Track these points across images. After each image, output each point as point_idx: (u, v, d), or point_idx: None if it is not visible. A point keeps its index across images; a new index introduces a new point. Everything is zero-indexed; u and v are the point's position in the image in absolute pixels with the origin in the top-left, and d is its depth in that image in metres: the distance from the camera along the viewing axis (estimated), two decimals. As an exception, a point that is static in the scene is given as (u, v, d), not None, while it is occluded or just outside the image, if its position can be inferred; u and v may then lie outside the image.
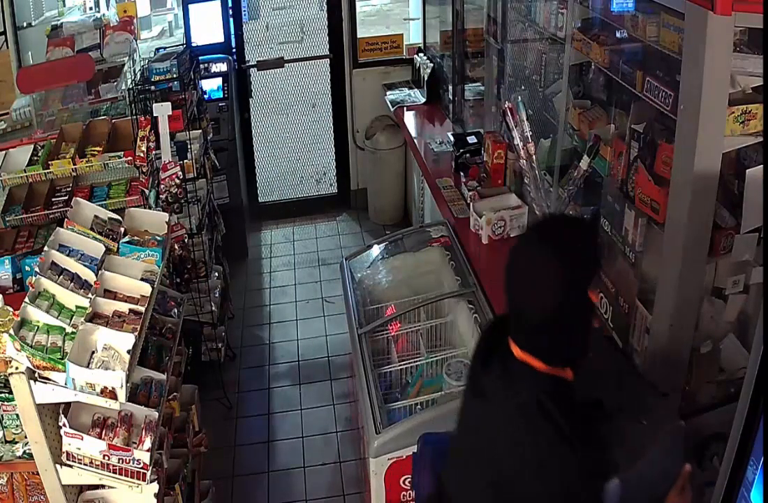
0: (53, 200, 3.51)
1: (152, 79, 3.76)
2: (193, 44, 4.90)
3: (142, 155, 3.42)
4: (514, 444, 1.59)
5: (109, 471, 2.28)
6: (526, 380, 1.61)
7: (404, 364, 2.96)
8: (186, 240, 3.72)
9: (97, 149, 3.50)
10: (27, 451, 2.35)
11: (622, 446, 1.74)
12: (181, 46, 4.23)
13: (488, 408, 1.68)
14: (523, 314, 1.62)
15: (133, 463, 2.27)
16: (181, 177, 3.64)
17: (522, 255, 1.63)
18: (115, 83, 4.39)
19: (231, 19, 5.21)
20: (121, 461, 2.26)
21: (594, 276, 1.63)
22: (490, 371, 1.67)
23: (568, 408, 1.58)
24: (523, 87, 3.48)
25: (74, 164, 3.40)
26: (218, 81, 5.07)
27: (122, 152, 3.43)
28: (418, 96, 5.30)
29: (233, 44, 5.30)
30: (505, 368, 1.65)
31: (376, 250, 3.69)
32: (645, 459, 1.83)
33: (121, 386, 2.19)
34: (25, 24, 4.46)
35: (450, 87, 4.77)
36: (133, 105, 3.56)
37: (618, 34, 2.43)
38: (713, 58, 1.77)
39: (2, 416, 2.35)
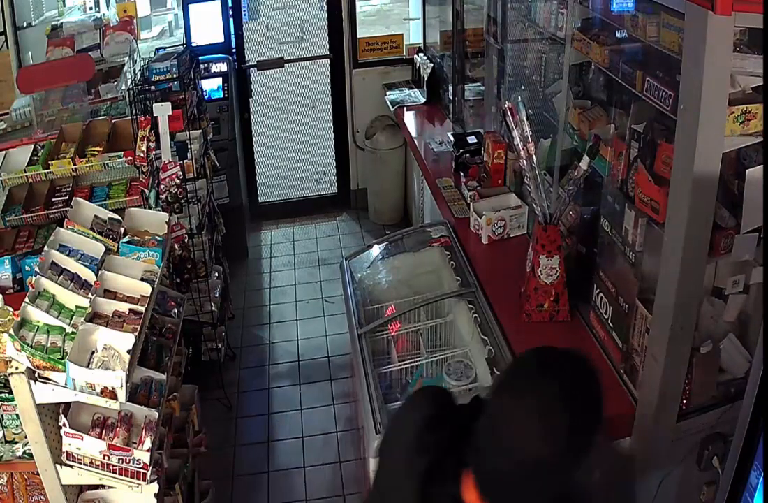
0: (53, 200, 3.51)
1: (152, 79, 3.76)
2: (193, 44, 4.90)
3: (142, 155, 3.42)
4: None
5: (109, 471, 2.28)
6: None
7: (404, 364, 2.96)
8: (186, 240, 3.71)
9: (97, 149, 3.50)
10: (27, 451, 2.34)
11: None
12: (181, 46, 4.23)
13: None
14: (507, 456, 1.29)
15: (133, 463, 2.27)
16: (181, 177, 3.64)
17: (520, 391, 1.30)
18: (115, 83, 4.39)
19: (231, 19, 5.21)
20: (121, 461, 2.26)
21: (599, 424, 1.32)
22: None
23: None
24: (523, 87, 3.48)
25: (74, 164, 3.40)
26: (218, 81, 5.07)
27: (122, 152, 3.43)
28: (418, 96, 5.30)
29: (233, 44, 5.30)
30: None
31: (376, 250, 3.68)
32: None
33: (121, 386, 2.19)
34: (25, 24, 4.46)
35: (450, 87, 4.77)
36: (133, 105, 3.56)
37: (618, 34, 2.43)
38: (713, 58, 1.77)
39: (2, 416, 2.35)
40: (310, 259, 5.44)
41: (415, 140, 4.71)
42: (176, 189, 3.63)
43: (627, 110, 2.44)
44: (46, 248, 2.49)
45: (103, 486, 2.42)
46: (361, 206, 5.94)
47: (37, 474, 2.35)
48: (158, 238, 2.81)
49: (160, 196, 3.61)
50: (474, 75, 4.47)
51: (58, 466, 2.29)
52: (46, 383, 2.17)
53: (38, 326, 2.27)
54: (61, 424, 2.23)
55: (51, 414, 2.28)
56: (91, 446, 2.24)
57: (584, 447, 1.30)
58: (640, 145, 2.32)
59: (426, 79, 5.15)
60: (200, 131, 4.13)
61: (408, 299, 3.24)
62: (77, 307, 2.39)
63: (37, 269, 2.39)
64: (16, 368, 2.16)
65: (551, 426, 1.25)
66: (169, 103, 3.55)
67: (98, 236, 2.68)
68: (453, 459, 1.39)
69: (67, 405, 2.28)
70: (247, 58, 5.44)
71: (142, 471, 2.29)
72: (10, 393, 2.23)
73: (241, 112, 5.48)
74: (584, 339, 2.73)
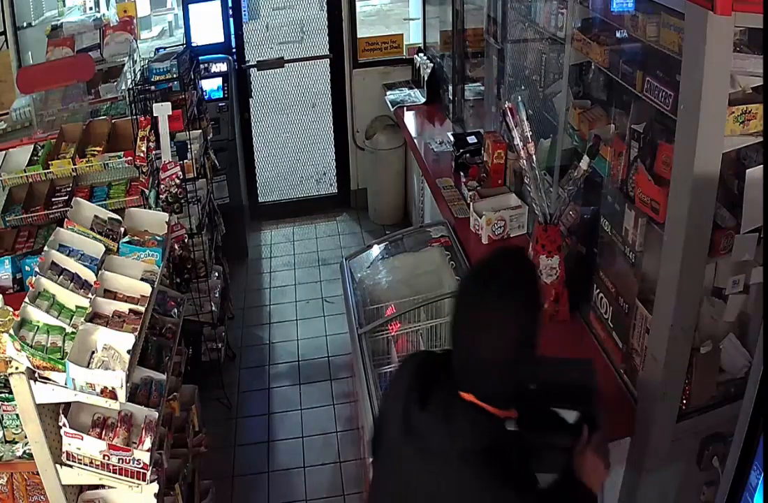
0: (53, 200, 3.51)
1: (152, 79, 3.76)
2: (193, 44, 4.89)
3: (142, 155, 3.42)
4: (456, 489, 1.54)
5: (109, 471, 2.28)
6: (472, 424, 1.55)
7: (404, 364, 2.96)
8: (186, 240, 3.71)
9: (97, 149, 3.50)
10: (27, 451, 2.34)
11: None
12: (181, 46, 4.23)
13: (424, 450, 1.60)
14: (473, 357, 1.56)
15: (133, 463, 2.27)
16: (181, 177, 3.64)
17: (470, 298, 1.58)
18: (115, 83, 4.39)
19: (231, 19, 5.21)
20: (121, 461, 2.26)
21: (541, 313, 1.60)
22: (429, 411, 1.59)
23: (515, 457, 1.55)
24: (523, 87, 3.48)
25: (74, 164, 3.40)
26: (218, 81, 5.07)
27: (122, 152, 3.43)
28: (418, 96, 5.30)
29: (233, 44, 5.29)
30: (447, 410, 1.57)
31: (376, 250, 3.68)
32: None
33: (121, 386, 2.19)
34: (25, 24, 4.46)
35: (450, 87, 4.77)
36: (133, 105, 3.56)
37: (618, 34, 2.44)
38: (713, 58, 1.77)
39: (2, 416, 2.35)
40: (310, 259, 5.44)
41: (415, 140, 4.70)
42: (176, 189, 3.63)
43: (627, 110, 2.44)
44: (46, 248, 2.49)
45: (103, 486, 2.42)
46: (361, 206, 5.94)
47: (37, 474, 2.35)
48: (158, 238, 2.81)
49: (160, 196, 3.61)
50: (474, 75, 4.47)
51: (58, 466, 2.29)
52: (46, 383, 2.17)
53: (38, 326, 2.27)
54: (61, 424, 2.23)
55: (51, 414, 2.27)
56: (91, 446, 2.24)
57: (532, 344, 1.55)
58: (640, 145, 2.32)
59: (426, 79, 5.15)
60: (200, 131, 4.13)
61: (408, 299, 3.24)
62: (77, 307, 2.39)
63: (37, 269, 2.39)
64: (16, 368, 2.16)
65: (501, 324, 1.52)
66: (169, 104, 3.55)
67: (98, 236, 2.68)
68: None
69: (67, 405, 2.28)
70: (247, 58, 5.44)
71: (142, 471, 2.28)
72: (10, 393, 2.23)
73: (241, 112, 5.48)
74: (584, 339, 2.73)
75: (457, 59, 4.55)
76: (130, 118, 3.59)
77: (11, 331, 2.15)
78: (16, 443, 2.38)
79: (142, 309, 2.47)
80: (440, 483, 1.57)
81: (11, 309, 2.31)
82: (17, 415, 2.29)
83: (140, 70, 3.85)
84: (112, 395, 2.20)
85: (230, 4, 5.16)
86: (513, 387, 1.60)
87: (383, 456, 1.79)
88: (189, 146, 3.78)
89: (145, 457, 2.26)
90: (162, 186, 3.60)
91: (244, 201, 5.53)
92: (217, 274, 4.31)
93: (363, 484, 3.27)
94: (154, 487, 2.35)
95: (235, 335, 4.59)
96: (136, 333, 2.32)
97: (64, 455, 2.27)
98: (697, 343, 2.17)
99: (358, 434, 3.38)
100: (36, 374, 2.17)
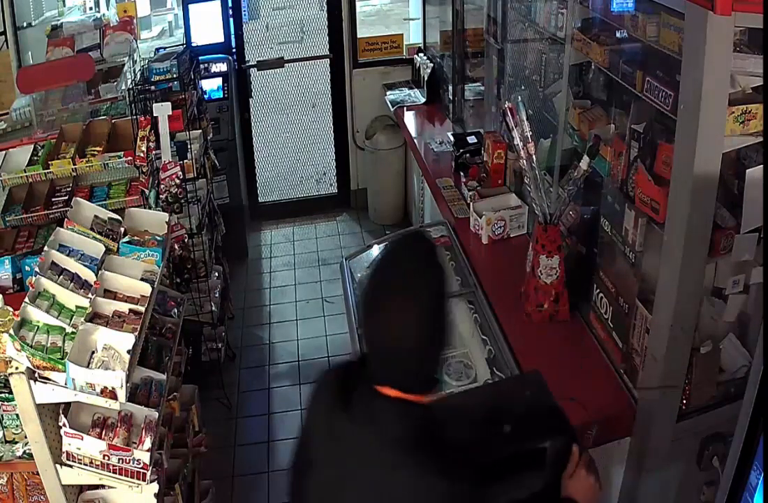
0: (53, 200, 3.51)
1: (152, 79, 3.76)
2: (193, 44, 4.90)
3: (142, 155, 3.42)
4: (389, 484, 1.52)
5: (109, 471, 2.28)
6: (394, 416, 1.54)
7: (404, 364, 2.96)
8: (186, 240, 3.71)
9: (97, 149, 3.50)
10: (27, 451, 2.34)
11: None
12: (181, 46, 4.23)
13: (353, 452, 1.58)
14: (381, 346, 1.56)
15: (133, 463, 2.27)
16: (181, 177, 3.64)
17: (370, 289, 1.57)
18: (115, 83, 4.39)
19: (231, 19, 5.21)
20: (121, 461, 2.26)
21: (445, 293, 1.58)
22: (351, 414, 1.59)
23: (440, 439, 1.54)
24: (523, 87, 3.48)
25: (74, 164, 3.40)
26: (218, 81, 5.07)
27: (122, 152, 3.43)
28: (418, 96, 5.29)
29: (233, 44, 5.30)
30: (368, 408, 1.57)
31: (376, 250, 3.68)
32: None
33: (121, 386, 2.19)
34: (25, 24, 4.46)
35: (450, 87, 4.77)
36: (133, 105, 3.56)
37: (618, 34, 2.43)
38: (713, 58, 1.77)
39: (2, 416, 2.35)
40: (310, 259, 5.44)
41: (415, 140, 4.70)
42: (176, 189, 3.63)
43: (627, 110, 2.44)
44: (46, 248, 2.49)
45: (103, 486, 2.42)
46: (361, 206, 5.94)
47: (37, 474, 2.35)
48: (158, 238, 2.81)
49: (160, 196, 3.61)
50: (474, 75, 4.47)
51: (58, 466, 2.29)
52: (46, 383, 2.17)
53: (38, 326, 2.27)
54: (61, 424, 2.23)
55: (51, 414, 2.28)
56: (91, 446, 2.24)
57: (439, 327, 1.55)
58: (640, 145, 2.32)
59: (426, 79, 5.15)
60: (200, 131, 4.13)
61: (408, 299, 3.24)
62: (77, 307, 2.39)
63: (37, 269, 2.39)
64: (16, 368, 2.16)
65: (409, 319, 1.50)
66: (169, 103, 3.55)
67: (98, 236, 2.68)
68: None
69: (67, 405, 2.28)
70: (247, 58, 5.44)
71: (142, 471, 2.28)
72: (10, 393, 2.23)
73: (241, 112, 5.48)
74: (584, 339, 2.73)
75: (457, 59, 4.55)
76: (130, 118, 3.59)
77: (11, 331, 2.15)
78: (16, 443, 2.38)
79: (142, 309, 2.47)
80: (373, 482, 1.55)
81: (11, 309, 2.31)
82: (17, 415, 2.29)
83: (140, 70, 3.85)
84: (112, 395, 2.20)
85: (230, 4, 5.16)
86: (427, 371, 1.60)
87: (314, 474, 1.74)
88: (189, 146, 3.78)
89: (145, 457, 2.26)
90: (162, 186, 3.60)
91: (244, 201, 5.53)
92: (217, 274, 4.31)
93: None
94: (154, 487, 2.35)
95: (235, 335, 4.59)
96: (136, 333, 2.32)
97: (64, 455, 2.27)
98: (697, 343, 2.17)
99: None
100: (36, 374, 2.17)
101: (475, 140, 4.00)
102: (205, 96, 4.81)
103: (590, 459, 1.82)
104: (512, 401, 1.96)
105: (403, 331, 1.51)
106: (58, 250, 2.52)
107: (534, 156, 2.80)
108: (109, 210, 2.96)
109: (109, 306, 2.42)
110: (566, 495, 1.76)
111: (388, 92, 5.45)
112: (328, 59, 5.60)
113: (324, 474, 1.67)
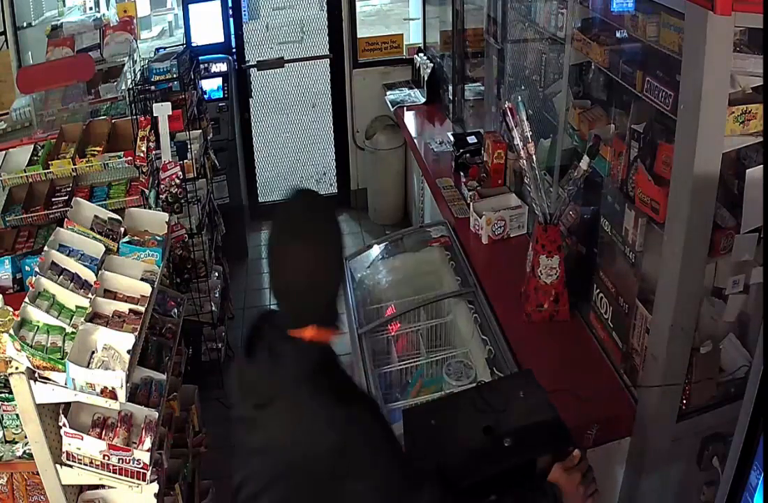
0: (53, 200, 3.50)
1: (152, 79, 3.77)
2: (193, 44, 4.90)
3: (142, 155, 3.42)
4: (296, 422, 1.64)
5: (109, 471, 2.28)
6: (294, 354, 1.66)
7: (404, 364, 2.96)
8: (186, 240, 3.72)
9: (97, 149, 3.50)
10: (27, 451, 2.34)
11: None
12: (181, 46, 4.24)
13: (256, 391, 1.71)
14: (285, 289, 1.68)
15: (133, 463, 2.27)
16: (181, 177, 3.64)
17: (271, 240, 1.70)
18: (115, 83, 4.39)
19: (231, 19, 5.21)
20: (121, 461, 2.26)
21: (340, 240, 1.72)
22: (256, 360, 1.71)
23: (340, 372, 1.73)
24: (523, 87, 3.48)
25: (74, 164, 3.40)
26: (218, 81, 5.07)
27: (122, 152, 3.43)
28: (418, 96, 5.30)
29: (233, 44, 5.30)
30: (270, 351, 1.68)
31: (376, 250, 3.68)
32: None
33: (121, 386, 2.19)
34: (25, 24, 4.46)
35: (450, 87, 4.77)
36: (133, 105, 3.56)
37: (618, 34, 2.43)
38: (713, 58, 1.77)
39: (2, 416, 2.35)
40: (310, 259, 5.42)
41: (415, 140, 4.70)
42: (176, 189, 3.64)
43: (627, 110, 2.44)
44: (46, 248, 2.49)
45: (103, 486, 2.42)
46: (361, 206, 5.94)
47: (37, 474, 2.35)
48: (158, 238, 2.81)
49: (160, 196, 3.61)
50: (474, 75, 4.47)
51: (58, 466, 2.29)
52: (46, 383, 2.17)
53: (38, 326, 2.27)
54: (61, 424, 2.23)
55: (51, 414, 2.28)
56: (91, 446, 2.24)
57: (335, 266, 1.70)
58: (640, 145, 2.32)
59: (426, 79, 5.15)
60: (200, 131, 4.13)
61: (408, 299, 3.24)
62: (77, 307, 2.39)
63: (37, 269, 2.39)
64: (16, 368, 2.16)
65: (300, 262, 1.63)
66: (169, 103, 3.55)
67: (98, 236, 2.68)
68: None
69: (67, 405, 2.28)
70: (247, 58, 5.44)
71: (142, 471, 2.28)
72: (10, 393, 2.23)
73: (241, 112, 5.48)
74: (584, 339, 2.73)
75: (457, 59, 4.55)
76: (130, 118, 3.59)
77: (11, 331, 2.15)
78: (16, 443, 2.38)
79: (142, 309, 2.47)
80: (277, 416, 1.66)
81: (11, 309, 2.31)
82: (17, 415, 2.29)
83: (140, 70, 3.86)
84: (112, 395, 2.20)
85: (230, 4, 5.16)
86: (327, 306, 1.74)
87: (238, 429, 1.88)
88: (189, 146, 3.78)
89: (145, 457, 2.26)
90: (162, 186, 3.60)
91: (244, 201, 5.53)
92: (217, 274, 4.31)
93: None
94: (154, 487, 2.36)
95: (235, 335, 4.58)
96: (136, 333, 2.32)
97: (64, 455, 2.27)
98: (697, 343, 2.17)
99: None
100: (36, 374, 2.17)
101: (475, 140, 4.00)
102: (205, 96, 4.82)
103: (589, 467, 1.83)
104: (507, 404, 1.94)
105: (308, 267, 1.63)
106: (58, 250, 2.52)
107: (534, 156, 2.80)
108: (109, 210, 2.96)
109: (109, 306, 2.42)
110: (552, 479, 1.78)
111: (388, 92, 5.45)
112: (328, 59, 5.60)
113: (242, 418, 1.83)
